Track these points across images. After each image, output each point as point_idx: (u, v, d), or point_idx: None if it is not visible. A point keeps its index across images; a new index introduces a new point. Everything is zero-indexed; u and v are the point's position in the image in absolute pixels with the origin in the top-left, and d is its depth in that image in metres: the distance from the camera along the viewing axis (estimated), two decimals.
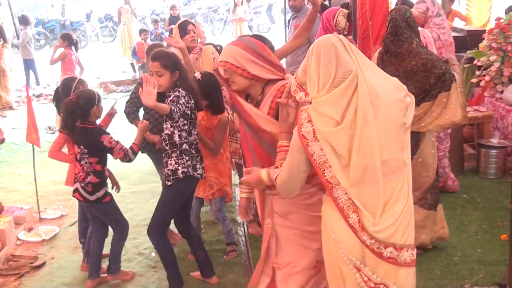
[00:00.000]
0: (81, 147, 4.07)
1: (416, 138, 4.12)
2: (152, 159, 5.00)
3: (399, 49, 4.10)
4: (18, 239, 5.23)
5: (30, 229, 5.48)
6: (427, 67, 4.04)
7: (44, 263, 4.83)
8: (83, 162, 4.11)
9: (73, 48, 9.12)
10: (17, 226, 5.33)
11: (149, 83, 3.34)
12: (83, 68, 9.39)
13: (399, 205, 2.36)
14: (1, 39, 10.71)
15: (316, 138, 2.34)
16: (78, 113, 4.00)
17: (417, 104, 3.98)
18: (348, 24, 5.02)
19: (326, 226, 2.48)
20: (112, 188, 4.52)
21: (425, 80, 4.05)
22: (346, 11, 5.09)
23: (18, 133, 9.20)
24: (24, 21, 12.82)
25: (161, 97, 3.88)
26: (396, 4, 8.29)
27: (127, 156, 4.08)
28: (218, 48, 5.76)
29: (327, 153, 2.33)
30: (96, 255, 4.38)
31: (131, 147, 4.10)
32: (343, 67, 2.32)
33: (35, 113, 5.67)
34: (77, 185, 4.19)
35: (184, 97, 3.75)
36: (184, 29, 5.14)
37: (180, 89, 3.77)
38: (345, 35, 5.12)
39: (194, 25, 5.27)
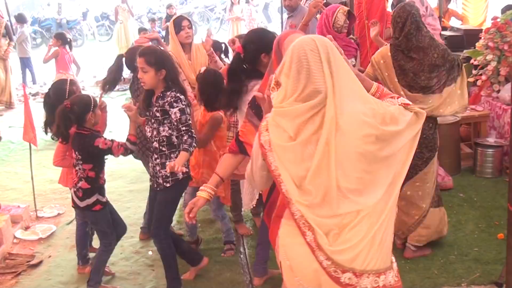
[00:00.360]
0: (76, 153, 4.00)
1: (437, 127, 4.35)
2: (143, 162, 4.98)
3: (421, 44, 4.14)
4: (15, 237, 5.21)
5: (27, 228, 5.46)
6: (444, 56, 4.16)
7: (41, 262, 4.81)
8: (77, 167, 4.04)
9: (67, 47, 9.11)
10: (14, 224, 5.32)
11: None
12: (79, 67, 9.38)
13: (360, 227, 2.17)
14: (7, 38, 10.59)
15: (272, 149, 2.25)
16: (72, 119, 3.91)
17: (440, 90, 4.16)
18: (348, 22, 4.95)
19: (281, 252, 2.38)
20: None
21: (443, 69, 4.16)
22: (346, 8, 5.01)
23: (15, 131, 9.18)
24: (20, 19, 12.80)
25: (149, 95, 3.88)
26: (392, 4, 8.32)
27: (127, 150, 4.03)
28: (223, 46, 5.71)
29: (279, 167, 2.23)
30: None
31: (128, 139, 4.03)
32: (314, 84, 2.16)
33: (32, 112, 5.66)
34: (72, 190, 4.13)
35: (185, 100, 3.77)
36: (179, 25, 5.08)
37: (177, 93, 3.76)
38: (345, 34, 5.08)
39: (189, 20, 5.20)
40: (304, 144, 2.17)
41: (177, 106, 3.71)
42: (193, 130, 3.75)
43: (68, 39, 9.25)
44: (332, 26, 4.99)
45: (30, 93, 11.90)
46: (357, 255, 2.17)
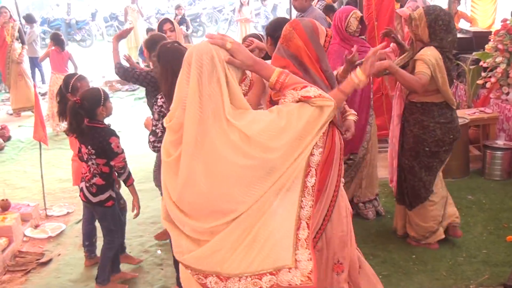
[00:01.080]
0: (89, 147, 3.99)
1: None
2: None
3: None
4: (24, 235, 5.26)
5: (36, 226, 5.51)
6: None
7: (50, 260, 4.86)
8: (90, 163, 4.04)
9: (63, 47, 9.20)
10: (23, 222, 5.37)
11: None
12: (76, 66, 9.40)
13: (225, 234, 2.09)
14: (20, 41, 10.49)
15: None
16: (82, 115, 3.94)
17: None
18: (360, 27, 4.86)
19: None
20: (133, 210, 4.23)
21: None
22: (360, 14, 4.90)
23: (24, 131, 9.26)
24: (29, 19, 12.85)
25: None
26: (401, 6, 8.30)
27: (125, 169, 4.03)
28: (261, 36, 5.64)
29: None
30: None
31: (131, 176, 4.12)
32: (183, 98, 2.08)
33: (42, 111, 5.70)
34: (83, 184, 4.15)
35: (162, 104, 3.69)
36: (161, 29, 5.09)
37: (160, 97, 3.70)
38: (357, 36, 5.04)
39: (172, 23, 5.16)
40: (177, 161, 2.11)
41: (153, 110, 3.71)
42: (153, 139, 3.67)
43: (61, 39, 9.31)
44: (345, 30, 4.92)
45: (39, 92, 11.93)
46: (213, 257, 2.10)
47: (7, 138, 8.76)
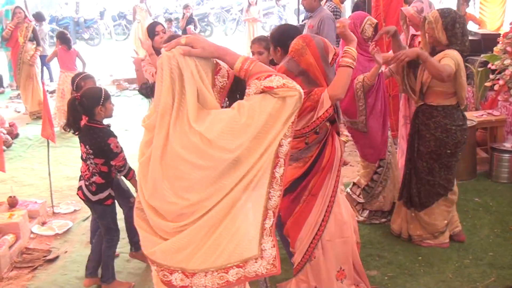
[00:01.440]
0: (87, 147, 3.99)
1: None
2: None
3: None
4: (31, 232, 5.28)
5: (43, 223, 5.53)
6: None
7: (57, 257, 4.87)
8: (88, 162, 4.04)
9: (67, 45, 9.22)
10: (31, 219, 5.38)
11: None
12: (85, 63, 9.42)
13: (190, 230, 2.07)
14: (35, 43, 10.43)
15: None
16: (80, 111, 3.93)
17: None
18: (374, 33, 4.80)
19: None
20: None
21: None
22: (375, 21, 4.83)
23: (32, 128, 9.30)
24: (39, 17, 12.92)
25: None
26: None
27: (125, 166, 4.05)
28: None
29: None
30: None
31: (131, 170, 4.13)
32: (158, 100, 2.08)
33: (50, 109, 5.72)
34: (82, 183, 4.16)
35: None
36: (152, 31, 5.20)
37: None
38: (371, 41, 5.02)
39: (163, 26, 5.32)
40: (148, 162, 2.12)
41: None
42: None
43: (67, 38, 9.33)
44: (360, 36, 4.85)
45: (47, 90, 11.98)
46: (179, 254, 2.09)
47: (15, 136, 8.79)
